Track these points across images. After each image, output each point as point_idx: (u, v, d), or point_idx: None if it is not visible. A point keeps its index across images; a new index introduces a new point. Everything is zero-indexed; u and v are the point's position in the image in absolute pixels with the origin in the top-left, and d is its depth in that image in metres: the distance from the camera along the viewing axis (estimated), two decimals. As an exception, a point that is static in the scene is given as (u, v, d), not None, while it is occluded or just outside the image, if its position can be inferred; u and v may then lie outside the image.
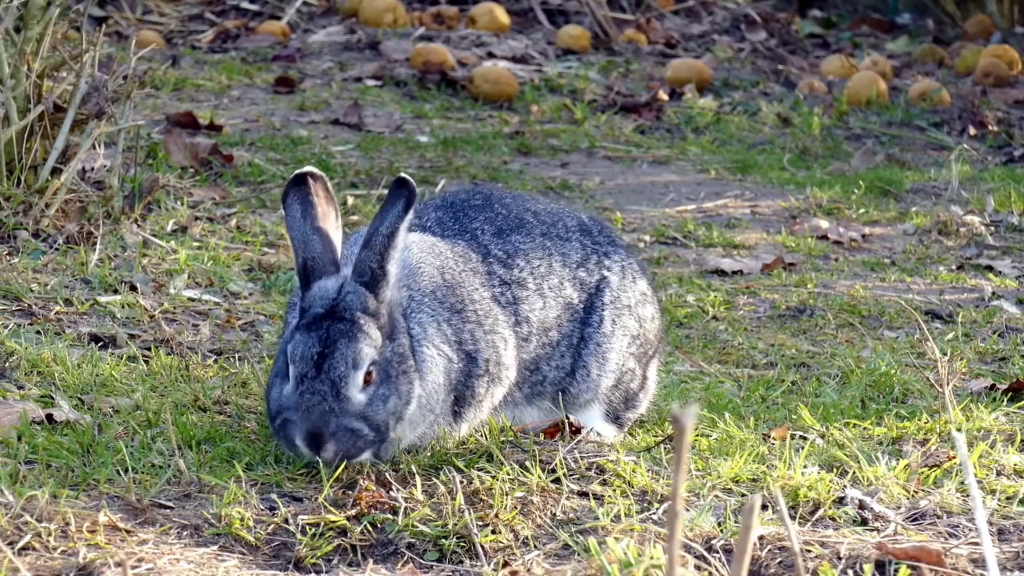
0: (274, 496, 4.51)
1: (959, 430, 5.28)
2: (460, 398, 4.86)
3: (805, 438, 5.15)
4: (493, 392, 4.92)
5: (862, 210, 8.84)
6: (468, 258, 4.98)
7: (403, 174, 4.70)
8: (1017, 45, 12.80)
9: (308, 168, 4.85)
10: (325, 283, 4.67)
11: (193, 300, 6.49)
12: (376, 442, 4.62)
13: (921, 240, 8.40)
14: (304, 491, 4.58)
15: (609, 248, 5.23)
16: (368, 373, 4.59)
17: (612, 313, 5.13)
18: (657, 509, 4.58)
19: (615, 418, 5.18)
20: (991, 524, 4.60)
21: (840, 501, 4.65)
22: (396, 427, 4.67)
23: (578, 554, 4.33)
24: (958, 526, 4.59)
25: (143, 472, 4.61)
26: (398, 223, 4.63)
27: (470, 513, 4.43)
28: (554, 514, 4.52)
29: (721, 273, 7.68)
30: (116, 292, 6.44)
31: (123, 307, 6.25)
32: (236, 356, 5.83)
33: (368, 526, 4.42)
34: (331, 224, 4.78)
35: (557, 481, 4.68)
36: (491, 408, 4.95)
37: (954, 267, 7.95)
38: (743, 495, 4.68)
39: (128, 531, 4.29)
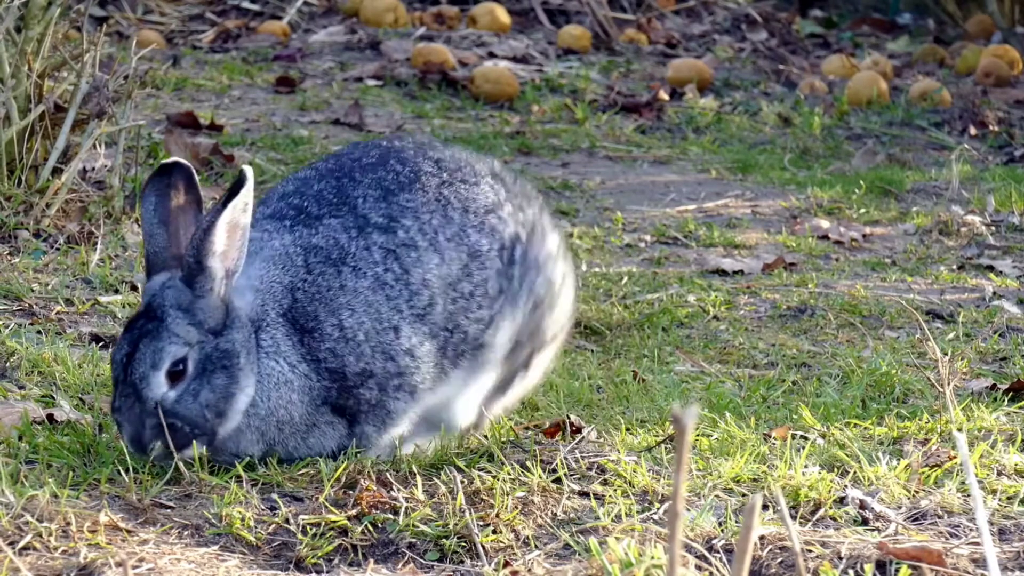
0: (275, 496, 4.51)
1: (960, 430, 5.28)
2: (341, 408, 4.70)
3: (806, 438, 5.15)
4: (395, 394, 4.72)
5: (863, 210, 8.83)
6: (328, 257, 4.73)
7: (244, 166, 4.62)
8: (1018, 45, 12.80)
9: (173, 159, 4.74)
10: (157, 278, 4.61)
11: (194, 300, 6.48)
12: (199, 435, 4.55)
13: (922, 240, 8.40)
14: (305, 491, 4.58)
15: (523, 202, 4.96)
16: (178, 371, 4.53)
17: (521, 271, 4.88)
18: (658, 509, 4.58)
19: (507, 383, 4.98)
20: (992, 524, 4.60)
21: (841, 501, 4.65)
22: (225, 420, 4.56)
23: (579, 554, 4.32)
24: (959, 526, 4.59)
25: (144, 472, 4.61)
26: (215, 217, 4.54)
27: (471, 513, 4.43)
28: (555, 514, 4.52)
29: (722, 273, 7.67)
30: (117, 292, 6.44)
31: (124, 307, 6.25)
32: (237, 356, 5.83)
33: (369, 526, 4.41)
34: (188, 218, 4.68)
35: (558, 481, 4.67)
36: (412, 402, 4.75)
37: (955, 267, 7.95)
38: (744, 495, 4.68)
39: (129, 531, 4.29)
